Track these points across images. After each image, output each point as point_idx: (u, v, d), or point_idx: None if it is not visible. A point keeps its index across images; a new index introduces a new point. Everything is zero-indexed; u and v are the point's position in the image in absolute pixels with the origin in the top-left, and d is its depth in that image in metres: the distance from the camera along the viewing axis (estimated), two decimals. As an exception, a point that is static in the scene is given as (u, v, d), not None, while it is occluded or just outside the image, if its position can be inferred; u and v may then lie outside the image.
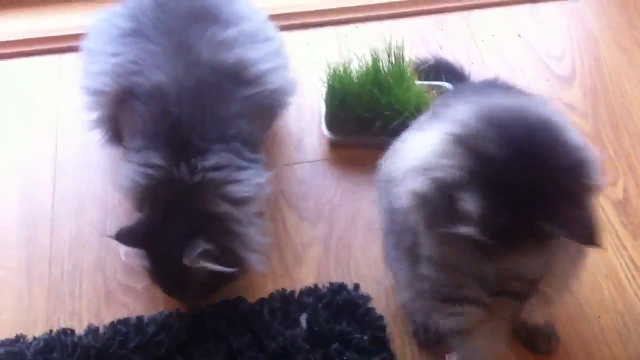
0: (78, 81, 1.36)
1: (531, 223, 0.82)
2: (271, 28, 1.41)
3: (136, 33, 1.27)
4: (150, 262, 1.16)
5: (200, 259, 1.11)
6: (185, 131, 1.18)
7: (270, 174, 1.25)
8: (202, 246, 1.11)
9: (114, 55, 1.27)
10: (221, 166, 1.18)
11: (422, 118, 1.13)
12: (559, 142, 0.86)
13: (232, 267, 1.13)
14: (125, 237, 1.15)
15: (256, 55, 1.29)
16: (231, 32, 1.28)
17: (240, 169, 1.21)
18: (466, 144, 0.85)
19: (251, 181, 1.21)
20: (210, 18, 1.28)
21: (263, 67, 1.29)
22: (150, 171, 1.17)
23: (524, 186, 0.83)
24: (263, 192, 1.23)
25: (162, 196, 1.16)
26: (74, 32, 1.66)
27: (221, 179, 1.17)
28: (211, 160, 1.17)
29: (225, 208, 1.16)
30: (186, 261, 1.10)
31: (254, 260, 1.19)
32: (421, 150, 0.92)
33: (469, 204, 0.81)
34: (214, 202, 1.16)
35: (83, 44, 1.36)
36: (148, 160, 1.17)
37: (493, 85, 1.12)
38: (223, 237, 1.15)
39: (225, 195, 1.17)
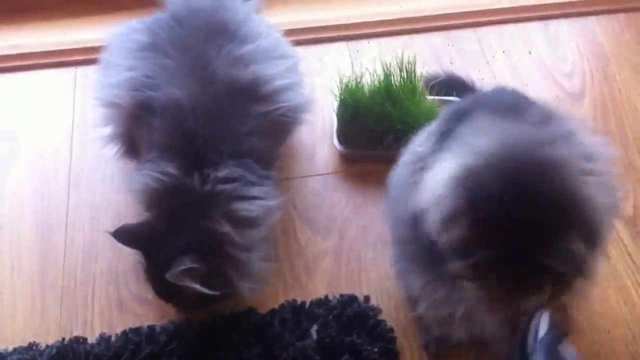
0: (93, 93, 1.38)
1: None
2: (287, 45, 1.42)
3: (152, 47, 1.29)
4: (145, 263, 1.18)
5: (183, 276, 1.10)
6: (200, 145, 1.19)
7: (282, 198, 1.26)
8: (188, 264, 1.10)
9: (130, 69, 1.29)
10: (232, 179, 1.19)
11: (431, 128, 1.14)
12: (554, 189, 0.87)
13: (219, 290, 1.13)
14: (123, 235, 1.17)
15: (272, 72, 1.30)
16: (247, 48, 1.30)
17: (251, 184, 1.21)
18: (469, 186, 0.88)
19: (260, 201, 1.21)
20: (227, 34, 1.30)
21: (278, 84, 1.30)
22: (162, 177, 1.18)
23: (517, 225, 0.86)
24: (271, 216, 1.23)
25: (171, 203, 1.18)
26: (90, 45, 1.69)
27: (230, 192, 1.18)
28: (223, 172, 1.18)
29: (227, 229, 1.15)
30: (168, 276, 1.10)
31: (244, 287, 1.18)
32: (429, 182, 0.95)
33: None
34: (217, 221, 1.16)
35: (101, 56, 1.38)
36: (161, 167, 1.19)
37: (504, 95, 1.13)
38: (217, 258, 1.15)
39: (231, 213, 1.17)
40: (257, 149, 1.24)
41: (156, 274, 1.16)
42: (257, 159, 1.24)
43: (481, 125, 1.02)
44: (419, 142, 1.14)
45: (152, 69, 1.26)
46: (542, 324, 0.96)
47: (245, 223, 1.18)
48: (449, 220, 0.87)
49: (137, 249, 1.17)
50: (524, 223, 0.85)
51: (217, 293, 1.13)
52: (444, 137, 1.08)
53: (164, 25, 1.31)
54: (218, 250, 1.15)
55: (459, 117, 1.09)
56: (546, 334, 0.96)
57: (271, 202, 1.23)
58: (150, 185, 1.18)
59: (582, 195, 0.88)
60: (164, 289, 1.17)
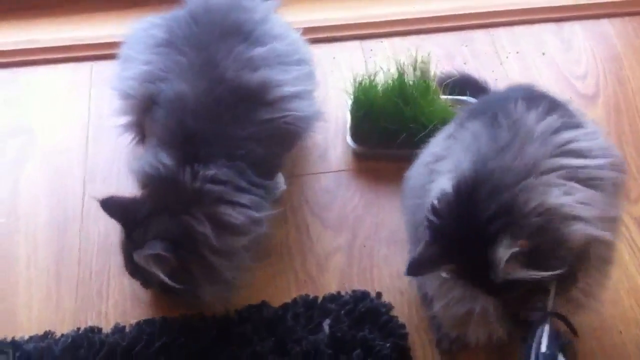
0: (111, 84, 1.39)
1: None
2: (305, 49, 1.41)
3: (168, 44, 1.31)
4: (123, 236, 1.20)
5: (150, 260, 1.12)
6: (197, 143, 1.20)
7: (272, 212, 1.23)
8: (157, 250, 1.12)
9: (146, 63, 1.31)
10: (221, 180, 1.19)
11: (450, 128, 1.15)
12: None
13: (182, 285, 1.14)
14: (110, 205, 1.19)
15: (282, 78, 1.30)
16: (260, 51, 1.30)
17: (240, 189, 1.20)
18: (438, 212, 0.98)
19: (246, 210, 1.19)
20: (241, 35, 1.30)
21: (288, 90, 1.29)
22: (157, 165, 1.20)
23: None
24: (256, 228, 1.21)
25: (160, 190, 1.19)
26: (106, 41, 1.71)
27: (217, 194, 1.18)
28: (212, 171, 1.18)
29: (206, 230, 1.15)
30: (136, 255, 1.12)
31: (208, 290, 1.19)
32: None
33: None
34: (199, 219, 1.16)
35: (121, 48, 1.40)
36: (158, 156, 1.20)
37: (519, 92, 1.14)
38: (189, 255, 1.15)
39: (214, 215, 1.17)
40: (256, 154, 1.23)
41: (128, 249, 1.18)
42: (254, 164, 1.23)
43: (476, 133, 1.05)
44: (436, 143, 1.15)
45: (165, 64, 1.28)
46: (544, 339, 0.99)
47: (225, 228, 1.17)
48: (426, 242, 0.99)
49: (119, 221, 1.19)
50: (470, 242, 0.94)
51: (179, 287, 1.14)
52: (455, 137, 1.10)
53: (181, 23, 1.33)
54: (192, 248, 1.15)
55: (470, 117, 1.11)
56: (547, 348, 0.98)
57: (257, 214, 1.21)
58: (145, 170, 1.21)
59: (519, 203, 0.93)
60: (131, 265, 1.19)
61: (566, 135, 1.02)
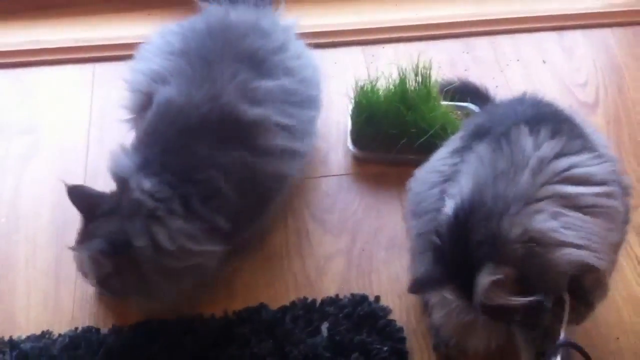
0: (111, 88, 1.40)
1: None
2: (316, 85, 1.37)
3: (181, 53, 1.30)
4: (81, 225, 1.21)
5: (87, 257, 1.15)
6: (160, 152, 1.19)
7: (217, 249, 1.18)
8: (94, 249, 1.13)
9: (157, 64, 1.31)
10: (156, 197, 1.15)
11: (455, 142, 1.16)
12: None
13: (111, 290, 1.18)
14: (75, 193, 1.19)
15: (281, 121, 1.24)
16: (266, 85, 1.25)
17: (176, 215, 1.15)
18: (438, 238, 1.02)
19: (178, 237, 1.15)
20: (253, 62, 1.27)
21: (281, 144, 1.23)
22: (121, 165, 1.20)
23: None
24: (194, 259, 1.16)
25: (120, 192, 1.19)
26: (109, 43, 1.72)
27: (151, 210, 1.15)
28: (150, 184, 1.15)
29: (142, 242, 1.13)
30: (75, 245, 1.16)
31: (135, 299, 1.20)
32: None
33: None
34: (137, 231, 1.14)
35: (138, 51, 1.41)
36: (125, 157, 1.20)
37: (524, 109, 1.14)
38: (124, 262, 1.15)
39: (150, 232, 1.14)
40: (215, 188, 1.17)
41: (79, 239, 1.20)
42: (210, 197, 1.17)
43: (481, 157, 1.06)
44: (442, 161, 1.16)
45: (173, 70, 1.28)
46: None
47: (160, 249, 1.14)
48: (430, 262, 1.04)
49: (79, 210, 1.20)
50: (464, 266, 0.96)
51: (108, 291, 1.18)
52: (462, 155, 1.10)
53: (197, 35, 1.32)
54: (127, 255, 1.14)
55: (477, 135, 1.12)
56: None
57: (194, 247, 1.16)
58: (110, 167, 1.21)
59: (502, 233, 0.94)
60: (76, 254, 1.22)
61: (565, 162, 1.02)
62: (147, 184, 1.16)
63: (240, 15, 1.37)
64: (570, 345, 1.01)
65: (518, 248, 0.94)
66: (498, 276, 0.92)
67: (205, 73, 1.24)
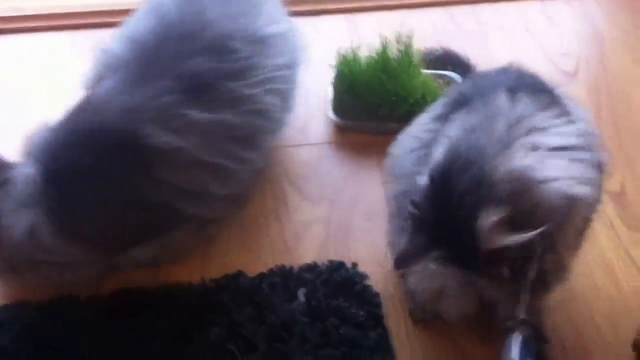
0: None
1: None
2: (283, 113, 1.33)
3: (143, 41, 1.23)
4: None
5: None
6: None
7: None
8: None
9: (120, 49, 1.25)
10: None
11: (437, 109, 1.16)
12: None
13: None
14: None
15: (209, 160, 1.17)
16: (197, 116, 1.15)
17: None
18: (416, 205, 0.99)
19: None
20: (196, 86, 1.17)
21: (187, 181, 1.16)
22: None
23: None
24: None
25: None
26: (88, 10, 1.71)
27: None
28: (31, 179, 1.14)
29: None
30: None
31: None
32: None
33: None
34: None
35: (133, 12, 1.35)
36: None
37: (509, 74, 1.14)
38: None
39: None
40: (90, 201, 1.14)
41: None
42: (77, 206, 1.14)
43: (459, 123, 1.05)
44: (423, 127, 1.16)
45: (125, 61, 1.22)
46: (514, 346, 1.01)
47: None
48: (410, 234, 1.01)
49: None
50: (450, 223, 0.95)
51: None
52: (442, 122, 1.10)
53: (169, 25, 1.25)
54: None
55: (458, 103, 1.11)
56: (519, 356, 1.00)
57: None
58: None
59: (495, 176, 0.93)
60: None
61: (541, 120, 1.01)
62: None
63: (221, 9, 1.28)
64: (527, 322, 1.02)
65: (506, 188, 0.92)
66: (500, 215, 0.91)
67: (139, 79, 1.17)
